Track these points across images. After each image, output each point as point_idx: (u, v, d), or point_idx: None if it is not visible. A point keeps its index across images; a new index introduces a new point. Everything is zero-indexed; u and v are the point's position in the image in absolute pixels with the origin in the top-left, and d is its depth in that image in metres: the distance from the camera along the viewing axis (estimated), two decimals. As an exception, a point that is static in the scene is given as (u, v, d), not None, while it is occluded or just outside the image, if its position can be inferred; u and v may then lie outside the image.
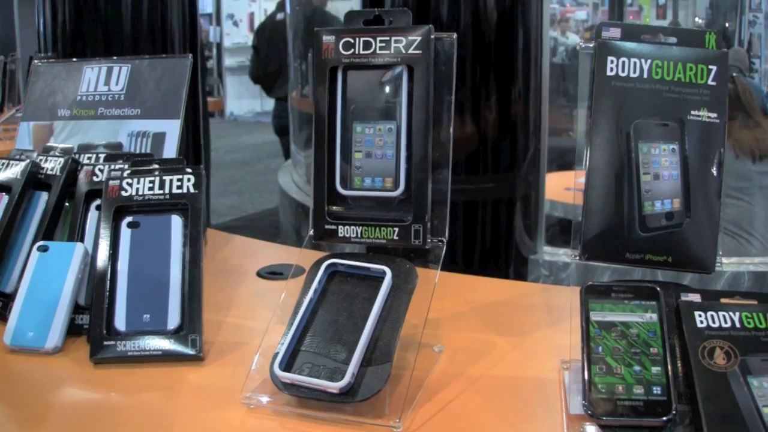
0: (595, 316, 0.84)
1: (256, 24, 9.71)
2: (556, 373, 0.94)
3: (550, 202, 2.70)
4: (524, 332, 1.06)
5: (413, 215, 0.93)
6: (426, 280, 0.93)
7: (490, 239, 1.86)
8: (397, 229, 0.94)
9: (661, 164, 0.89)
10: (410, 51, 0.93)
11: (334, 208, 0.97)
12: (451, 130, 0.95)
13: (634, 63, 0.89)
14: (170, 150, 1.20)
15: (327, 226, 0.96)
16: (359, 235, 0.95)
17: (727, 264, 2.10)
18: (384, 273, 0.92)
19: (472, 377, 0.94)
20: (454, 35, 0.94)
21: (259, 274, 1.26)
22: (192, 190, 1.07)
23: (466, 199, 1.82)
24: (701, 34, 0.90)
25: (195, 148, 1.42)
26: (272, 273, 1.26)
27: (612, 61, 0.89)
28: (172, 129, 1.21)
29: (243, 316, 1.13)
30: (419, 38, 0.93)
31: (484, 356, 0.99)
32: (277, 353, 0.88)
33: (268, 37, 5.17)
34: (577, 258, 0.90)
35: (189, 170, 1.08)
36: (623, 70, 0.89)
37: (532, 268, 1.93)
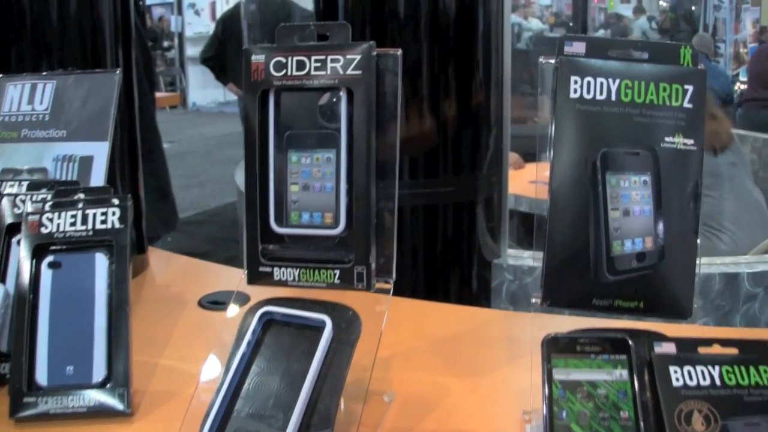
0: (558, 374, 0.72)
1: (218, 13, 9.42)
2: (517, 425, 0.82)
3: (514, 196, 2.58)
4: (482, 372, 0.94)
5: (355, 256, 0.80)
6: (377, 308, 0.81)
7: (452, 244, 1.74)
8: (337, 272, 0.81)
9: (631, 198, 0.76)
10: (349, 72, 0.79)
11: (270, 247, 0.83)
12: (397, 157, 0.82)
13: (601, 83, 0.76)
14: (98, 175, 1.05)
15: (261, 268, 0.83)
16: (296, 279, 0.82)
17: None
18: (323, 323, 0.79)
19: (424, 434, 0.82)
20: (399, 52, 0.81)
21: (201, 304, 1.13)
22: (117, 225, 0.93)
23: (426, 203, 1.69)
24: (675, 48, 0.77)
25: (132, 169, 1.27)
26: (214, 302, 1.12)
27: (576, 82, 0.76)
28: (99, 152, 1.06)
29: (179, 357, 0.99)
30: (359, 57, 0.79)
31: (437, 405, 0.86)
32: (207, 416, 0.75)
33: (238, 29, 4.93)
34: (539, 303, 0.77)
35: (115, 201, 0.95)
36: (588, 92, 0.76)
37: (496, 273, 1.80)
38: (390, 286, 0.82)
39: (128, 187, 1.26)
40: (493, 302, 1.81)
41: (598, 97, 0.76)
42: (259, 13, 4.04)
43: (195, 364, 0.86)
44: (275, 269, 0.82)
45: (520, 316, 1.09)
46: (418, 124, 1.72)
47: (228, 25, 5.19)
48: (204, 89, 11.25)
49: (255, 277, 0.83)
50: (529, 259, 1.85)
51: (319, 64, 0.80)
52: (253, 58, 0.81)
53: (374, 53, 0.80)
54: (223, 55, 4.95)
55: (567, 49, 0.78)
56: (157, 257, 1.32)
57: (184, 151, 7.07)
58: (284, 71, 0.80)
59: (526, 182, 2.74)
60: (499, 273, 1.80)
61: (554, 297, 0.76)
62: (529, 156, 3.96)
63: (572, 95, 0.76)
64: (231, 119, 6.74)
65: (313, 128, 0.82)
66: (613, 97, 0.75)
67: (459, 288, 1.72)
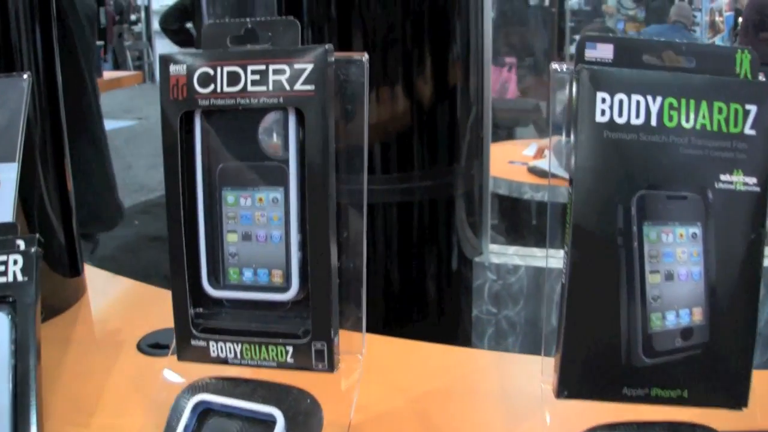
0: (584, 497, 0.52)
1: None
2: None
3: (492, 178, 2.35)
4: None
5: (313, 328, 0.58)
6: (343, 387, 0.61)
7: (429, 241, 1.52)
8: (290, 349, 0.59)
9: (676, 257, 0.54)
10: (297, 87, 0.56)
11: (204, 313, 0.61)
12: (365, 196, 0.59)
13: (638, 102, 0.53)
14: (5, 206, 0.81)
15: (194, 342, 0.61)
16: (238, 356, 0.60)
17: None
18: (274, 418, 0.57)
19: None
20: (365, 57, 0.58)
21: (140, 348, 0.90)
22: (20, 278, 0.69)
23: (401, 200, 1.46)
24: (729, 53, 0.55)
25: (60, 193, 1.02)
26: (155, 345, 0.90)
27: (604, 101, 0.53)
28: (7, 175, 0.82)
29: (107, 426, 0.77)
30: (310, 66, 0.56)
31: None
32: None
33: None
34: (552, 392, 0.56)
35: (20, 245, 0.71)
36: (621, 114, 0.53)
37: (478, 272, 1.60)
38: (359, 362, 0.60)
39: (57, 200, 1.02)
40: (475, 304, 1.60)
41: (634, 121, 0.53)
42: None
43: (125, 438, 0.65)
44: (211, 343, 0.60)
45: (517, 360, 0.88)
46: (386, 110, 1.48)
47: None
48: (173, 62, 10.84)
49: (186, 353, 0.61)
50: (514, 256, 1.64)
51: (257, 77, 0.56)
52: (172, 68, 0.58)
53: (332, 59, 0.57)
54: (185, 25, 4.63)
55: (589, 54, 0.55)
56: (96, 280, 1.09)
57: (151, 128, 6.61)
58: (212, 86, 0.57)
59: (506, 163, 2.53)
60: (481, 272, 1.60)
61: (573, 386, 0.55)
62: (507, 131, 3.74)
63: (599, 119, 0.53)
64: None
65: (253, 160, 0.59)
66: (654, 122, 0.53)
67: (438, 291, 1.51)
